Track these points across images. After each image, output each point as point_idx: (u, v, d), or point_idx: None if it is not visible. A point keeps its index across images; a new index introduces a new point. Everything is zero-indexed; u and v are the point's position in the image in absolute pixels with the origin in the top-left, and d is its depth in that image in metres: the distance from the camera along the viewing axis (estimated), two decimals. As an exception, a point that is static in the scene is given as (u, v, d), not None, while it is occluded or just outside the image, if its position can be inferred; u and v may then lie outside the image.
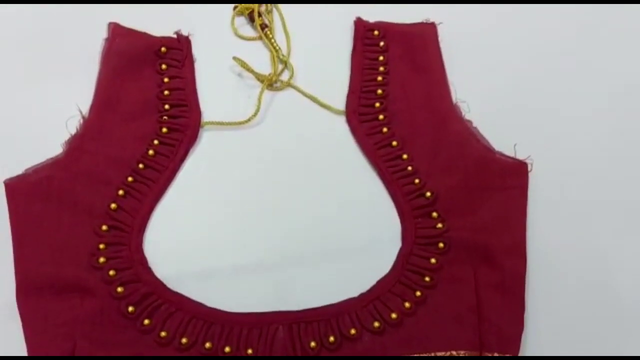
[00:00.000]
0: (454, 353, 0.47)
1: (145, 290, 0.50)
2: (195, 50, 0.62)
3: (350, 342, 0.48)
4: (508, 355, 0.48)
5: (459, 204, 0.54)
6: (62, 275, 0.49)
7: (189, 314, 0.49)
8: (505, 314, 0.49)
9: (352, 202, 0.56)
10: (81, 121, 0.56)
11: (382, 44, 0.62)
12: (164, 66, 0.60)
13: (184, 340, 0.48)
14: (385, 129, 0.58)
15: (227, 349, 0.48)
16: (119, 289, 0.49)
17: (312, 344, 0.48)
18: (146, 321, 0.48)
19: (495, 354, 0.47)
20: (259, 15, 0.64)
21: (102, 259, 0.50)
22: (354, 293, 0.51)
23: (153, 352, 0.48)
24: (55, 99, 0.59)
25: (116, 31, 0.61)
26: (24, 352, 0.48)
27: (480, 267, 0.51)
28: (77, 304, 0.49)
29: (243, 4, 0.65)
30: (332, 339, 0.48)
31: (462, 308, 0.49)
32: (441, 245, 0.52)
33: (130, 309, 0.48)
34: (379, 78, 0.60)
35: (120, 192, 0.54)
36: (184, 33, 0.62)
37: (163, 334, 0.48)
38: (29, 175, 0.53)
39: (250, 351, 0.48)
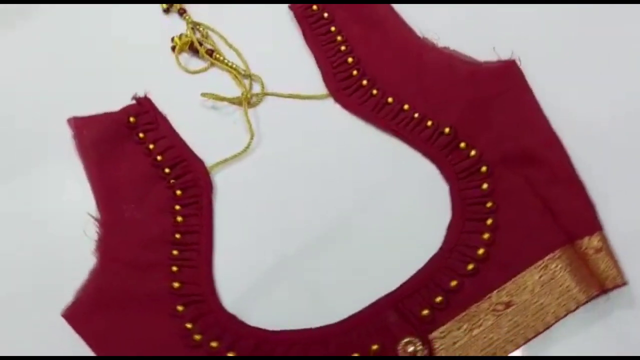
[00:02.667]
0: (550, 256, 0.49)
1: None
2: (161, 106, 0.60)
3: (454, 294, 0.50)
4: (597, 233, 0.50)
5: (475, 125, 0.55)
6: None
7: None
8: (573, 201, 0.51)
9: (381, 171, 0.56)
10: (97, 224, 0.54)
11: (325, 15, 0.62)
12: (141, 135, 0.58)
13: None
14: (374, 91, 0.58)
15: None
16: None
17: (425, 312, 0.49)
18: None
19: (586, 238, 0.50)
20: (200, 44, 0.63)
21: (197, 337, 0.49)
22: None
23: None
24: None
25: (78, 123, 0.58)
26: None
27: (527, 171, 0.53)
28: None
29: (180, 40, 0.63)
30: (439, 299, 0.49)
31: (533, 215, 0.51)
32: (484, 169, 0.53)
33: None
34: (342, 48, 0.61)
35: (174, 268, 0.53)
36: (140, 94, 0.60)
37: None
38: (80, 297, 0.51)
39: (375, 347, 0.48)
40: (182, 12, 0.66)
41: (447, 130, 0.55)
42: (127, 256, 0.53)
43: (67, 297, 0.51)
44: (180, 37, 0.64)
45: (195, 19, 0.65)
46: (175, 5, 0.66)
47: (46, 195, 0.58)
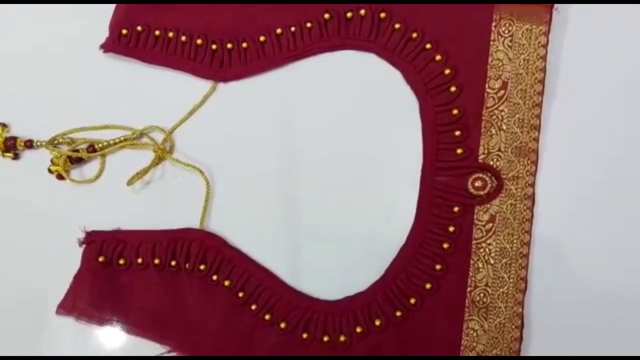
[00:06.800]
0: (494, 25, 0.53)
1: None
2: (116, 222, 0.57)
3: None
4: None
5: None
6: None
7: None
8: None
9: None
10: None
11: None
12: (121, 261, 0.55)
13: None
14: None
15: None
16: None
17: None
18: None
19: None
20: (77, 151, 0.58)
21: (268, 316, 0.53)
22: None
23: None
24: None
25: (66, 307, 0.55)
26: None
27: None
28: None
29: (57, 162, 0.57)
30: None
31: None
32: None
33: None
34: None
35: (267, 317, 0.54)
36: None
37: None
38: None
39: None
40: (29, 145, 0.59)
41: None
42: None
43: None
44: (52, 161, 0.58)
45: (42, 134, 0.59)
46: (18, 144, 0.59)
47: None
